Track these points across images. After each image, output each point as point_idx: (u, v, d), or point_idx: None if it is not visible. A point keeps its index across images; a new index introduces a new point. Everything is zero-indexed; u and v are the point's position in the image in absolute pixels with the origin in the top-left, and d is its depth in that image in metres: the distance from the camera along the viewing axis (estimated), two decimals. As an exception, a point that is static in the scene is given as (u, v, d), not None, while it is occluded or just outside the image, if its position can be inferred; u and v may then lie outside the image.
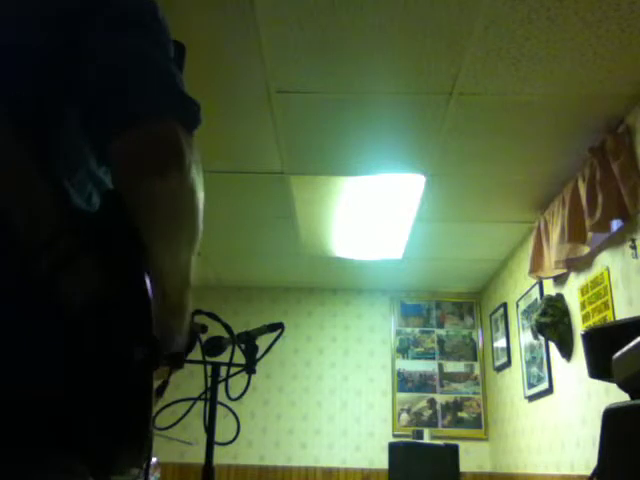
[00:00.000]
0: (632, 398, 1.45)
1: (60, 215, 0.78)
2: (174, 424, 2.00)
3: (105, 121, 0.84)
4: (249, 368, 2.09)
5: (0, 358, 0.73)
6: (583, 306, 3.40)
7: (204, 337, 2.04)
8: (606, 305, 3.11)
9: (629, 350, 1.39)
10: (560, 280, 3.80)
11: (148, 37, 0.90)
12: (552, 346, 3.86)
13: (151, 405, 0.77)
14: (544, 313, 3.67)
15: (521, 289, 4.51)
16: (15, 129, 0.80)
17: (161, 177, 0.82)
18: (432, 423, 5.34)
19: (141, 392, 0.77)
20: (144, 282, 0.78)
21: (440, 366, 5.55)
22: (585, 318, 3.37)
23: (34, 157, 0.80)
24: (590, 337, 1.75)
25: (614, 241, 3.09)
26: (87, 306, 0.74)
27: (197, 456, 4.77)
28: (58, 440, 0.75)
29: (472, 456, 5.27)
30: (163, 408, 2.01)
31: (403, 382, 5.51)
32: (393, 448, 4.48)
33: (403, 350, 5.61)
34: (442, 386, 5.49)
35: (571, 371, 3.61)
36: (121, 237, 0.80)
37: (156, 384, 2.20)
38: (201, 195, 0.89)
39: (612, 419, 1.38)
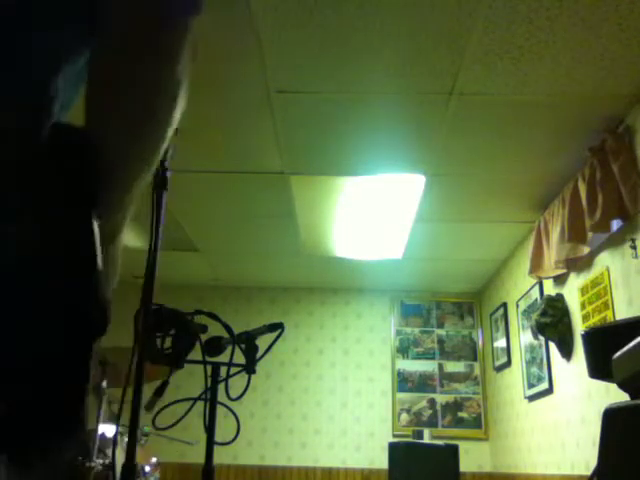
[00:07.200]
0: (632, 398, 1.45)
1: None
2: (174, 424, 2.00)
3: None
4: (249, 368, 2.09)
5: None
6: (583, 306, 3.40)
7: (204, 337, 2.05)
8: (606, 305, 3.11)
9: (629, 350, 1.39)
10: (560, 280, 3.80)
11: None
12: (552, 346, 3.86)
13: (88, 381, 0.66)
14: (544, 313, 3.67)
15: (521, 289, 4.51)
16: None
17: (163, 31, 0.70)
18: (432, 423, 5.34)
19: (81, 368, 0.66)
20: (93, 245, 0.67)
21: (440, 366, 5.55)
22: (585, 318, 3.37)
23: None
24: (590, 337, 1.75)
25: (614, 241, 3.09)
26: (21, 262, 0.63)
27: (197, 456, 4.77)
28: None
29: (472, 456, 5.27)
30: (163, 408, 2.01)
31: (403, 382, 5.51)
32: (393, 448, 4.48)
33: (403, 350, 5.61)
34: (442, 386, 5.49)
35: (571, 371, 3.61)
36: (72, 179, 0.68)
37: (156, 384, 2.20)
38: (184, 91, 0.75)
39: (612, 419, 1.38)
